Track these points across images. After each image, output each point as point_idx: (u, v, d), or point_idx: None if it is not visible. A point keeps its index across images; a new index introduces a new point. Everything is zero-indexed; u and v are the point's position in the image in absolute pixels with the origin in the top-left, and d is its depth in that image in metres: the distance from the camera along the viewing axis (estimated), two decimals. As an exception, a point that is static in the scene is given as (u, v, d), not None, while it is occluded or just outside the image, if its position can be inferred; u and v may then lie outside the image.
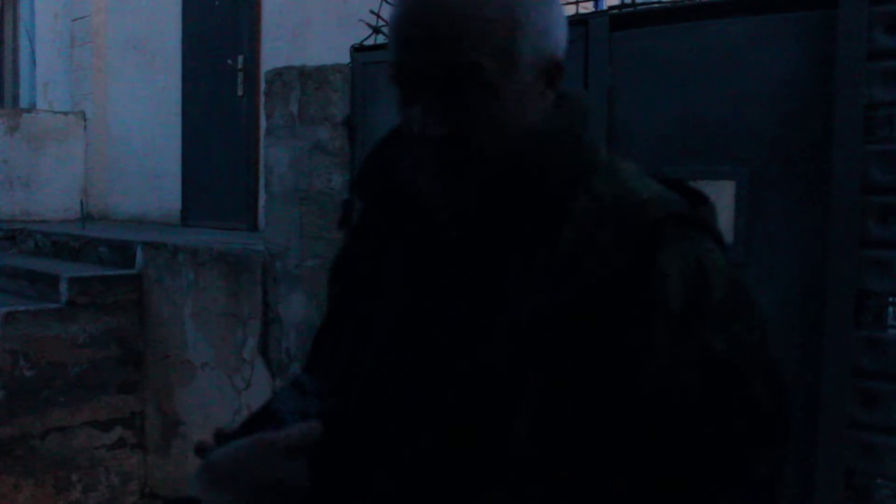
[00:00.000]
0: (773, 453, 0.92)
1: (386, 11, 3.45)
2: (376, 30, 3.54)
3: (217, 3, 6.71)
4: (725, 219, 2.59)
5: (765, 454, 0.91)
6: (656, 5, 2.85)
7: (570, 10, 3.06)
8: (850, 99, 2.30)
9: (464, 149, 0.95)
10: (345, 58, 3.72)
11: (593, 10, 3.22)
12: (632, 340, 0.89)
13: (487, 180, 0.97)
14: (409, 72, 0.96)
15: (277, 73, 3.96)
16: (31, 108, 8.55)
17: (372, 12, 3.53)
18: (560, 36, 1.00)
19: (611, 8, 3.03)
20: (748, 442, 0.89)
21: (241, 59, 6.47)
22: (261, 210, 6.03)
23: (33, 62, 9.00)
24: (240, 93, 6.48)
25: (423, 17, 0.93)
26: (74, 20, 8.07)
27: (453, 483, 0.92)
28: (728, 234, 2.58)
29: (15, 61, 9.61)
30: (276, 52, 6.07)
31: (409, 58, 0.95)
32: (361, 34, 3.60)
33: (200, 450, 0.96)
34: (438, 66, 0.93)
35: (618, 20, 2.79)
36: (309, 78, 3.81)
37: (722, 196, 2.61)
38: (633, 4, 2.87)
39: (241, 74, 6.47)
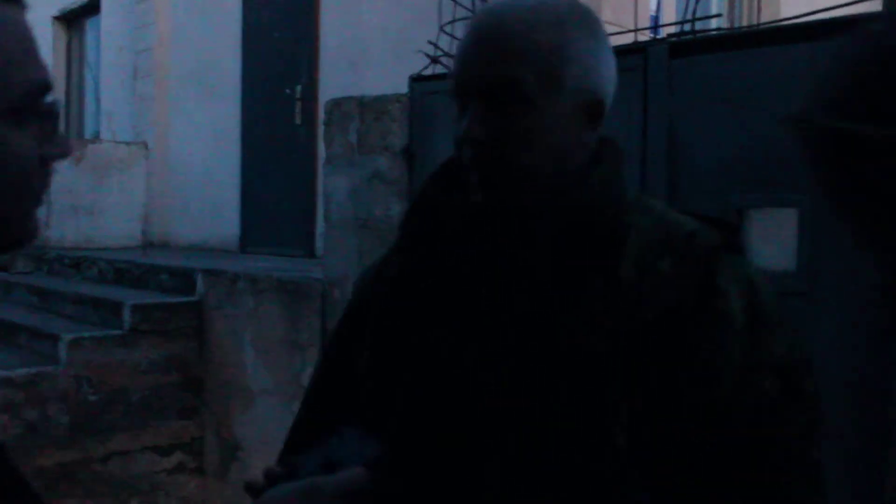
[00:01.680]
0: (821, 437, 1.02)
1: (444, 42, 3.49)
2: (434, 59, 3.58)
3: (276, 35, 6.84)
4: (789, 246, 2.56)
5: (818, 439, 1.01)
6: (715, 33, 2.84)
7: (629, 38, 3.07)
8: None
9: (500, 155, 1.04)
10: (401, 87, 3.76)
11: (652, 37, 3.22)
12: (707, 356, 0.98)
13: (529, 195, 1.05)
14: (462, 84, 1.07)
15: (337, 104, 4.02)
16: (96, 138, 8.76)
17: (430, 42, 3.57)
18: (606, 80, 1.10)
19: (670, 36, 3.02)
20: (809, 430, 1.00)
21: (299, 88, 6.57)
22: (318, 237, 6.10)
23: (97, 94, 9.24)
24: (298, 122, 6.58)
25: (481, 37, 1.06)
26: (138, 52, 8.27)
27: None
28: (791, 261, 2.55)
29: (80, 93, 9.89)
30: (333, 81, 6.16)
31: (464, 71, 1.07)
32: (417, 64, 3.64)
33: (251, 489, 1.00)
34: (485, 78, 1.04)
35: (677, 48, 2.79)
36: (368, 108, 3.86)
37: (785, 224, 2.58)
38: (693, 32, 2.87)
39: (299, 104, 6.57)
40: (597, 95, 1.08)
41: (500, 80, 1.03)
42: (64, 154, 0.82)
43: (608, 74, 1.10)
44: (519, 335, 1.02)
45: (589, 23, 1.10)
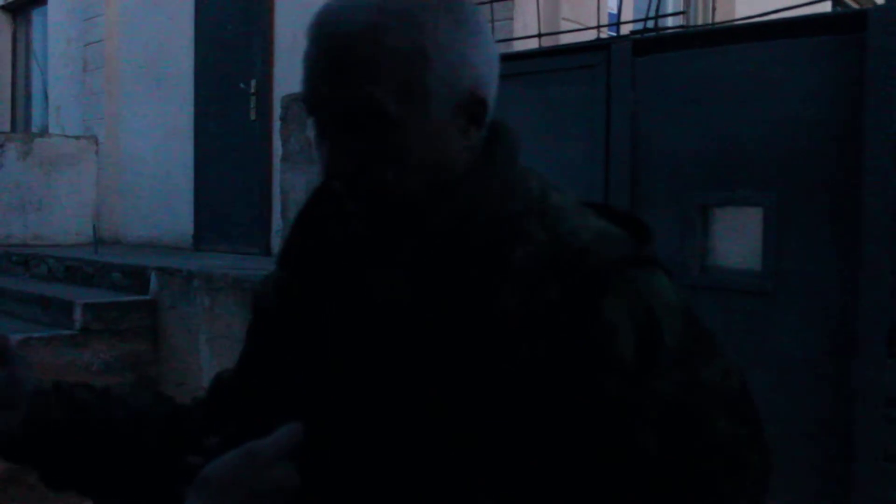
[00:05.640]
0: (748, 486, 0.89)
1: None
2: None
3: (229, 27, 6.73)
4: (752, 246, 2.56)
5: (738, 489, 0.88)
6: (679, 30, 2.83)
7: (591, 34, 3.05)
8: (881, 123, 2.27)
9: (372, 182, 0.90)
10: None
11: (610, 35, 3.21)
12: (586, 400, 0.85)
13: (403, 222, 0.93)
14: (315, 107, 0.92)
15: (294, 99, 3.95)
16: (44, 132, 8.57)
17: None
18: (483, 72, 0.93)
19: (633, 33, 3.01)
20: (716, 481, 0.86)
21: (253, 83, 6.47)
22: (274, 234, 6.02)
23: (45, 86, 9.03)
24: (252, 117, 6.48)
25: (322, 49, 0.90)
26: (87, 45, 8.09)
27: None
28: (756, 261, 2.55)
29: (27, 86, 9.66)
30: (289, 76, 6.07)
31: (311, 94, 0.92)
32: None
33: (189, 469, 0.96)
34: (336, 101, 0.89)
35: (640, 45, 2.77)
36: (326, 103, 3.80)
37: (748, 223, 2.58)
38: (655, 29, 2.86)
39: (253, 98, 6.46)
40: (475, 93, 0.92)
41: (352, 102, 0.88)
42: None
43: (485, 65, 0.93)
44: (381, 370, 0.92)
45: (451, 9, 0.91)
